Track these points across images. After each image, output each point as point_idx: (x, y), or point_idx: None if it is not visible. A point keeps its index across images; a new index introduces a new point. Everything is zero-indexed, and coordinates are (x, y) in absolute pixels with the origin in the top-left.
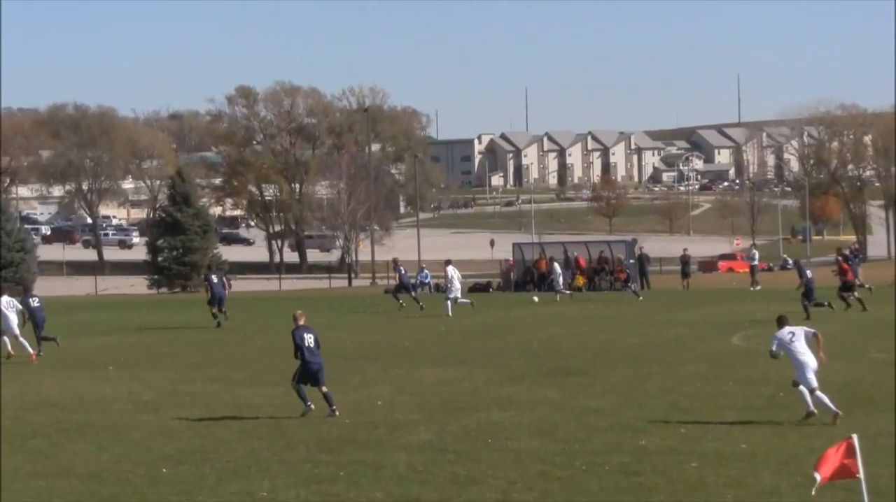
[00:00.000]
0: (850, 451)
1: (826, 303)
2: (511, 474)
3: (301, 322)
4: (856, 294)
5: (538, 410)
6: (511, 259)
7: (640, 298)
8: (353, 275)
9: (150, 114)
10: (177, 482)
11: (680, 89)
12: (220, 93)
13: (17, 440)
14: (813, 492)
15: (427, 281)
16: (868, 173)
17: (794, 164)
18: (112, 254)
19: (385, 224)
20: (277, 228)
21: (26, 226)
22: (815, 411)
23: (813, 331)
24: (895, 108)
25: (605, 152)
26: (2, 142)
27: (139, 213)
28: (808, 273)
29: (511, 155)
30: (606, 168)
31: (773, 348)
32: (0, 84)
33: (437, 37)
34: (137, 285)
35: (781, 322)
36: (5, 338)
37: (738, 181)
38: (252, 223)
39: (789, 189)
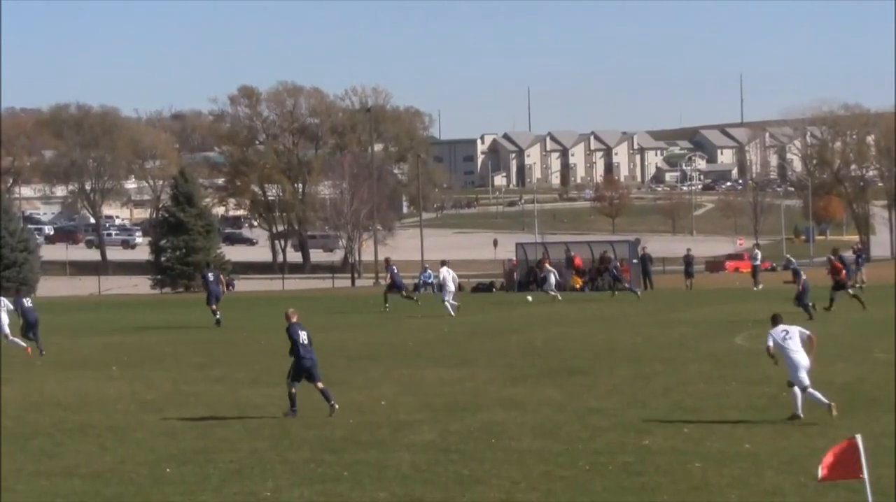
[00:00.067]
0: (854, 451)
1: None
2: (514, 474)
3: (294, 319)
4: (850, 292)
5: (541, 410)
6: (514, 259)
7: (639, 296)
8: (356, 276)
9: (153, 114)
10: (180, 482)
11: (683, 89)
12: (223, 93)
13: (20, 440)
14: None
15: (430, 281)
16: (871, 173)
17: (797, 164)
18: (115, 254)
19: (388, 224)
20: (280, 228)
21: (29, 226)
22: (802, 415)
23: (808, 333)
24: None
25: (608, 152)
26: (5, 142)
27: (142, 213)
28: (802, 275)
29: (514, 155)
30: (609, 168)
31: (770, 343)
32: (1, 84)
33: (440, 37)
34: (140, 285)
35: (776, 320)
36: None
37: (740, 181)
38: (255, 223)
39: (792, 189)
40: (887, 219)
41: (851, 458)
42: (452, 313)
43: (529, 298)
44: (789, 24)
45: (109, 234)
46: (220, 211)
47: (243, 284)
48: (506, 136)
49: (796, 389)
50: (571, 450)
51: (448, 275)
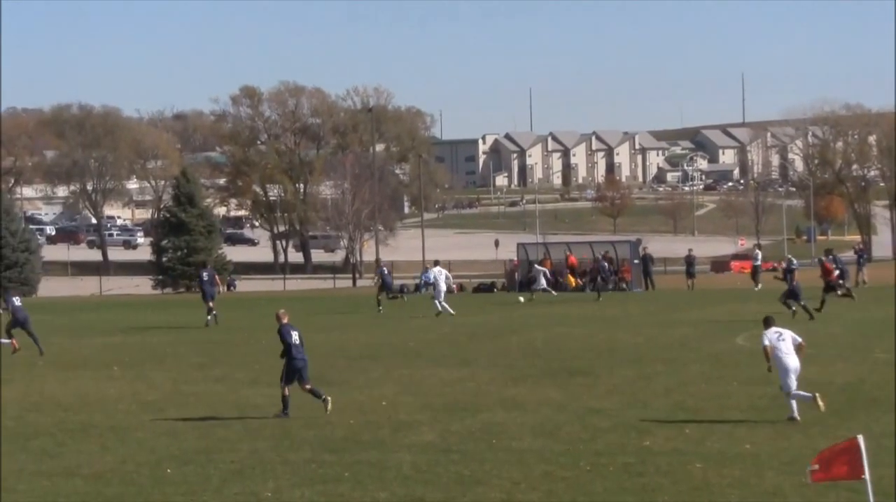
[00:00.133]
0: (855, 452)
1: (794, 311)
2: (515, 474)
3: (285, 320)
4: (839, 292)
5: (542, 411)
6: (515, 259)
7: (600, 299)
8: (357, 276)
9: (155, 114)
10: (181, 482)
11: (684, 89)
12: (225, 93)
13: (21, 440)
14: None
15: (432, 281)
16: (873, 173)
17: (799, 164)
18: (116, 254)
19: (389, 224)
20: (282, 228)
21: (31, 226)
22: (798, 418)
23: (800, 340)
24: None
25: (610, 152)
26: (6, 142)
27: (144, 214)
28: (795, 274)
29: (515, 155)
30: (611, 168)
31: (766, 343)
32: (2, 84)
33: (442, 37)
34: (142, 285)
35: (768, 322)
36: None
37: (742, 181)
38: (256, 223)
39: (794, 189)
40: (889, 220)
41: (853, 459)
42: (451, 311)
43: (521, 299)
44: (790, 24)
45: (111, 235)
46: (221, 211)
47: (244, 284)
48: (507, 136)
49: (796, 389)
50: (572, 451)
51: (440, 274)
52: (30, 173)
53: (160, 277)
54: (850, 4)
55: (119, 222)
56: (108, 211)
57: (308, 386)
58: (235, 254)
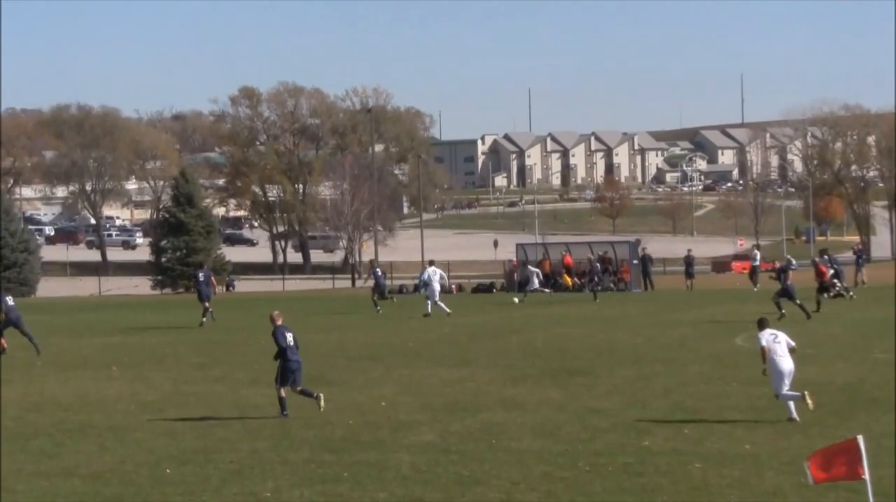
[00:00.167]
0: (855, 452)
1: (783, 313)
2: (514, 474)
3: (279, 322)
4: (829, 294)
5: (541, 411)
6: (514, 259)
7: (597, 300)
8: (356, 276)
9: (154, 114)
10: (180, 482)
11: (683, 90)
12: (224, 93)
13: (20, 440)
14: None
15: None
16: (872, 174)
17: (798, 165)
18: (116, 254)
19: (388, 224)
20: (281, 229)
21: (30, 226)
22: (797, 418)
23: (793, 343)
24: None
25: (609, 153)
26: (5, 142)
27: (143, 214)
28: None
29: (514, 155)
30: (610, 169)
31: (763, 343)
32: (1, 84)
33: (441, 37)
34: (141, 286)
35: (763, 324)
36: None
37: (741, 182)
38: (255, 224)
39: (793, 189)
40: (888, 220)
41: (853, 459)
42: (447, 310)
43: (515, 299)
44: (790, 24)
45: (110, 235)
46: (220, 211)
47: (244, 285)
48: (506, 137)
49: (787, 391)
50: (571, 451)
51: (434, 274)
52: (29, 173)
53: (159, 278)
54: (850, 4)
55: (118, 222)
56: (108, 211)
57: (299, 388)
58: (234, 254)
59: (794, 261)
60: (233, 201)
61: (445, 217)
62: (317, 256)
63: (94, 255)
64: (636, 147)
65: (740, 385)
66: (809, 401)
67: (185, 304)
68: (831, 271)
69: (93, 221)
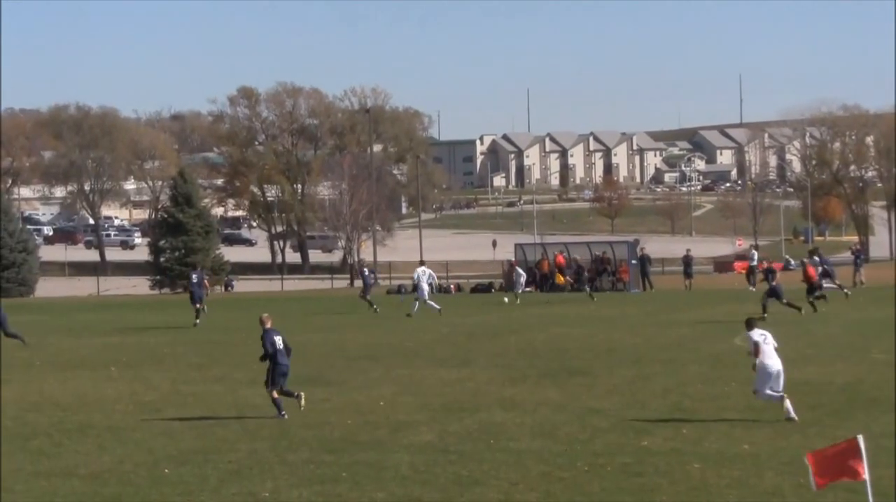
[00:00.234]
0: (855, 452)
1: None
2: (513, 475)
3: (268, 325)
4: (816, 294)
5: (540, 411)
6: (513, 259)
7: (595, 300)
8: (354, 276)
9: (152, 114)
10: (179, 483)
11: (682, 90)
12: (222, 93)
13: (19, 440)
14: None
15: (430, 281)
16: (870, 174)
17: (796, 165)
18: (114, 254)
19: (387, 225)
20: (279, 229)
21: (28, 226)
22: (796, 418)
23: (776, 344)
24: None
25: (607, 153)
26: (4, 142)
27: (141, 214)
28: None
29: (513, 155)
30: (608, 169)
31: (756, 339)
32: (1, 84)
33: (440, 37)
34: (139, 286)
35: (750, 324)
36: None
37: (740, 182)
38: (254, 224)
39: (791, 190)
40: (886, 220)
41: (852, 459)
42: (414, 312)
43: (506, 299)
44: (789, 24)
45: (108, 235)
46: (219, 211)
47: (242, 285)
48: (505, 137)
49: (769, 392)
50: (570, 451)
51: (423, 275)
52: (27, 174)
53: (158, 278)
54: (849, 4)
55: (116, 222)
56: (106, 211)
57: (284, 390)
58: (233, 254)
59: (792, 261)
60: (231, 201)
61: (444, 217)
62: (315, 256)
63: (92, 255)
64: (635, 147)
65: (739, 385)
66: (789, 407)
67: (183, 304)
68: (821, 271)
69: (91, 221)
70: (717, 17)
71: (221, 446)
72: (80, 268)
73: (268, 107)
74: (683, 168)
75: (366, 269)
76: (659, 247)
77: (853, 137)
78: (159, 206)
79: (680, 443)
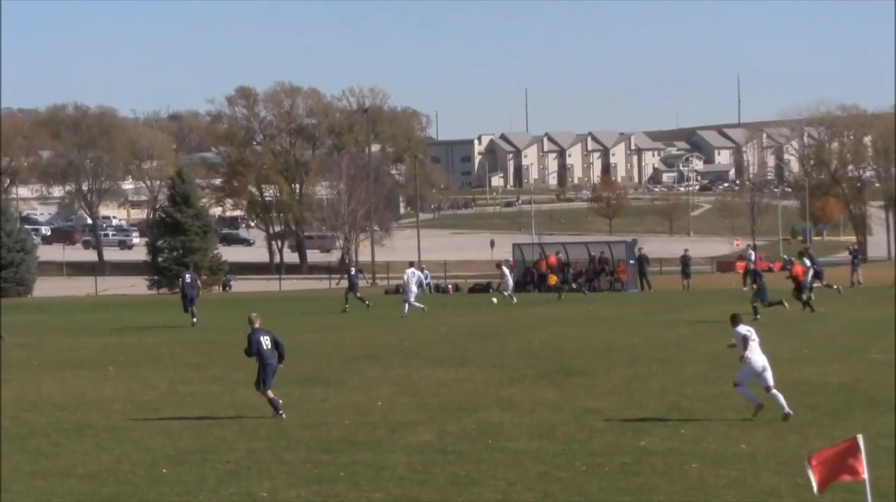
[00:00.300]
0: (854, 452)
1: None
2: (511, 475)
3: (257, 324)
4: (803, 297)
5: (538, 411)
6: (511, 259)
7: (586, 294)
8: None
9: (150, 114)
10: (177, 482)
11: (680, 90)
12: (220, 93)
13: (17, 440)
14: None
15: (427, 281)
16: (868, 174)
17: (795, 165)
18: (112, 254)
19: (385, 224)
20: (277, 229)
21: (26, 226)
22: (790, 412)
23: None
24: (895, 108)
25: (605, 153)
26: (2, 142)
27: (139, 214)
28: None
29: (511, 155)
30: (606, 169)
31: (745, 333)
32: (0, 84)
33: (438, 37)
34: (137, 286)
35: (736, 320)
36: None
37: (738, 182)
38: (252, 224)
39: (789, 190)
40: (884, 220)
41: (852, 459)
42: (404, 314)
43: (494, 300)
44: (787, 24)
45: (106, 235)
46: (217, 211)
47: (240, 285)
48: (503, 137)
49: (748, 390)
50: (568, 451)
51: (412, 276)
52: (25, 173)
53: (156, 277)
54: (847, 4)
55: (115, 222)
56: (104, 211)
57: (269, 394)
58: (231, 254)
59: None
60: (229, 201)
61: (442, 217)
62: (313, 256)
63: (90, 255)
64: (633, 147)
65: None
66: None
67: (181, 305)
68: (811, 272)
69: (89, 221)
70: (715, 17)
71: (219, 446)
72: (78, 268)
73: (266, 106)
74: (681, 168)
75: (352, 268)
76: (657, 247)
77: (851, 137)
78: (157, 206)
79: (678, 443)
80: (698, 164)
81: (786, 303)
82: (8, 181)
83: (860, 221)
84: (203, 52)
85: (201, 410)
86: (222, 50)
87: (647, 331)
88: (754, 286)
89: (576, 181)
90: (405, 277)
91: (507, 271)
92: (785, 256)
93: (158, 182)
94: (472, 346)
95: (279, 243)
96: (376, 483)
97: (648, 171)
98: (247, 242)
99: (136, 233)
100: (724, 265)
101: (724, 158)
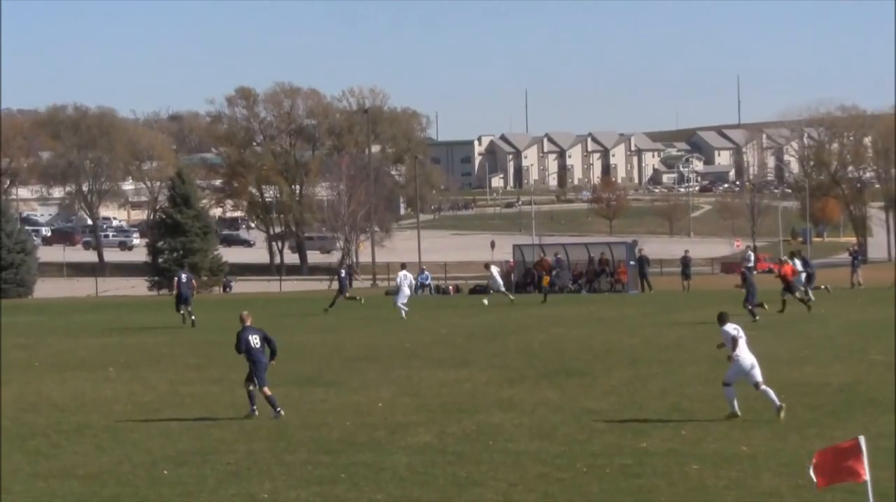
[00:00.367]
0: (856, 453)
1: (756, 318)
2: (511, 476)
3: (248, 323)
4: (797, 295)
5: (539, 412)
6: (511, 260)
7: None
8: (353, 277)
9: (150, 115)
10: (177, 483)
11: (680, 90)
12: (220, 94)
13: (17, 441)
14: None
15: (427, 282)
16: (868, 175)
17: (795, 166)
18: (112, 255)
19: (385, 225)
20: (278, 230)
21: (27, 227)
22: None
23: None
24: (895, 109)
25: (605, 154)
26: (2, 143)
27: (139, 215)
28: (751, 276)
29: (511, 156)
30: (606, 169)
31: (734, 333)
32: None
33: (438, 37)
34: (138, 287)
35: (723, 319)
36: None
37: (738, 183)
38: (252, 224)
39: (789, 190)
40: (884, 221)
41: (854, 460)
42: (405, 310)
43: (485, 301)
44: (787, 24)
45: (107, 236)
46: (217, 212)
47: (240, 286)
48: (503, 138)
49: (732, 388)
50: (569, 452)
51: (405, 279)
52: (25, 174)
53: (156, 278)
54: (848, 5)
55: (115, 223)
56: (104, 212)
57: (266, 392)
58: (231, 255)
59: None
60: (229, 202)
61: (442, 218)
62: (313, 257)
63: (90, 256)
64: (633, 148)
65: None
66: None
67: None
68: (803, 273)
69: (89, 222)
70: (715, 17)
71: (219, 447)
72: (78, 269)
73: (266, 107)
74: (682, 169)
75: (343, 271)
76: (657, 247)
77: (851, 138)
78: (157, 207)
79: (678, 444)
80: (698, 165)
81: (765, 305)
82: (8, 182)
83: (860, 222)
84: (203, 52)
85: (201, 411)
86: (222, 50)
87: (647, 332)
88: (741, 287)
89: (576, 182)
90: (398, 279)
91: (495, 271)
92: (783, 257)
93: (158, 183)
94: (472, 347)
95: (279, 244)
96: (377, 484)
97: (648, 172)
98: (247, 243)
99: (136, 234)
100: (728, 266)
101: (724, 159)
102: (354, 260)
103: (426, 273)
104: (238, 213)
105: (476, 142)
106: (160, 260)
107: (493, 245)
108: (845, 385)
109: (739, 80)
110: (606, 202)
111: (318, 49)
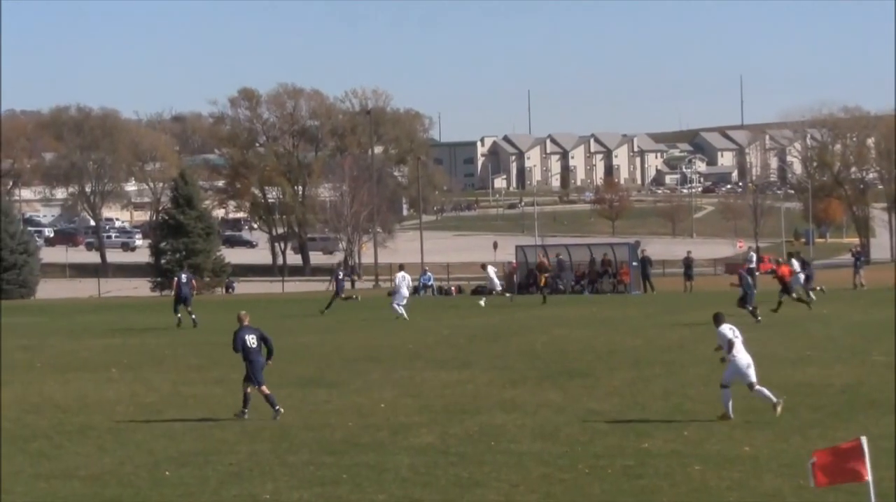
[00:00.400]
0: (858, 454)
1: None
2: (514, 477)
3: (245, 322)
4: (793, 296)
5: (541, 413)
6: (514, 261)
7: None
8: (355, 278)
9: (153, 116)
10: (179, 484)
11: (683, 91)
12: (223, 95)
13: (19, 442)
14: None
15: (430, 283)
16: (871, 176)
17: (797, 167)
18: (115, 256)
19: (388, 226)
20: (280, 230)
21: (29, 228)
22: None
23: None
24: None
25: (608, 154)
26: (5, 144)
27: (142, 216)
28: (748, 277)
29: (514, 157)
30: (609, 170)
31: (730, 336)
32: (1, 86)
33: (440, 38)
34: (140, 287)
35: (719, 320)
36: None
37: (741, 183)
38: (255, 225)
39: (792, 191)
40: (887, 222)
41: (855, 460)
42: (405, 315)
43: (482, 303)
44: (789, 25)
45: (109, 237)
46: (220, 213)
47: (243, 286)
48: (506, 139)
49: (729, 391)
50: (571, 453)
51: (402, 280)
52: (28, 175)
53: (159, 279)
54: (849, 5)
55: (117, 224)
56: (107, 213)
57: (265, 390)
58: (234, 256)
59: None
60: (232, 203)
61: (445, 219)
62: (316, 258)
63: (93, 257)
64: (635, 149)
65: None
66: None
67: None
68: (801, 275)
69: (92, 223)
70: (717, 17)
71: (222, 448)
72: (80, 270)
73: (269, 108)
74: (684, 170)
75: (340, 272)
76: (660, 248)
77: (854, 139)
78: (160, 208)
79: (681, 445)
80: (701, 166)
81: (758, 316)
82: (11, 183)
83: (863, 223)
84: (206, 53)
85: (204, 412)
86: (225, 51)
87: (649, 333)
88: (736, 286)
89: (578, 183)
90: (396, 281)
91: (492, 272)
92: (782, 258)
93: (161, 184)
94: (474, 348)
95: (282, 245)
96: (379, 485)
97: (651, 173)
98: (250, 244)
99: (139, 235)
100: (732, 267)
101: (726, 160)
102: (357, 261)
103: (428, 274)
104: (241, 214)
105: (479, 143)
106: (163, 261)
107: (495, 246)
108: (847, 386)
109: (742, 81)
110: (609, 203)
111: (321, 50)
